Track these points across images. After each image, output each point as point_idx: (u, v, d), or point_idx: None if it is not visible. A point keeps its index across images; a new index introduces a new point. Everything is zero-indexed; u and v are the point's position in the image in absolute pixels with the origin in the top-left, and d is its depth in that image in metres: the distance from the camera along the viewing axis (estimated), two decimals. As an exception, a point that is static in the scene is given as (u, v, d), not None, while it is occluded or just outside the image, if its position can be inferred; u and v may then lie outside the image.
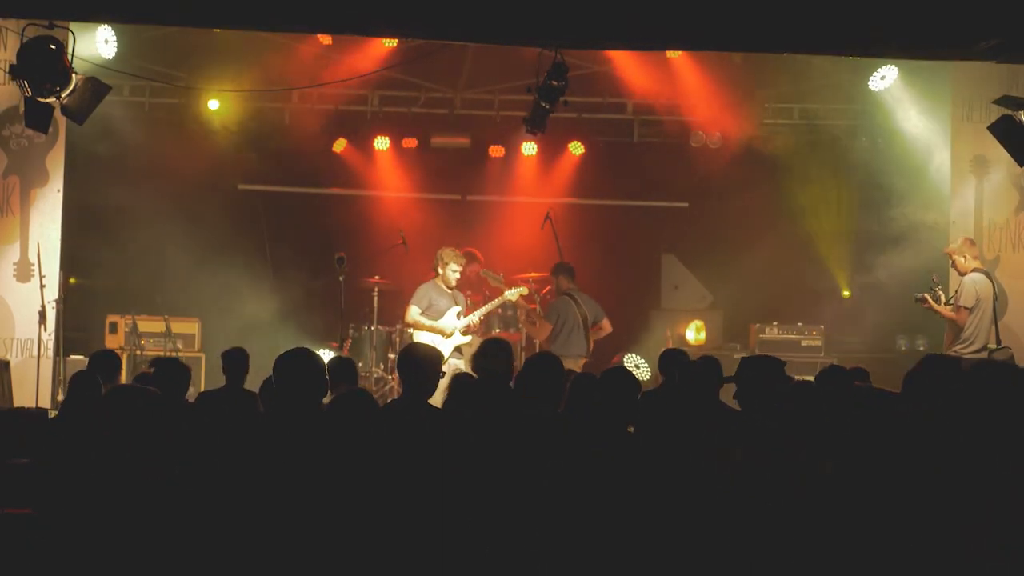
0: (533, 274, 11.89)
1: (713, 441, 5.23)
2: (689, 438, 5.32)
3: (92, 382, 6.22)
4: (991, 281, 10.01)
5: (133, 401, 3.80)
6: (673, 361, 7.43)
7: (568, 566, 4.75)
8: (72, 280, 11.19)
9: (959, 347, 9.84)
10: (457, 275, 10.63)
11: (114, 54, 10.27)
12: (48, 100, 8.64)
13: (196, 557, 3.96)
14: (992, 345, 9.86)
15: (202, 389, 11.22)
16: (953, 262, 10.22)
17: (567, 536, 4.79)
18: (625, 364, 12.16)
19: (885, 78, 11.25)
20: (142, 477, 3.82)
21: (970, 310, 9.81)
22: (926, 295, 10.07)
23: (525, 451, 5.06)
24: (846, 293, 13.20)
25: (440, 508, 4.66)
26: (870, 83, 11.34)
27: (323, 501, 4.21)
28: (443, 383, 5.81)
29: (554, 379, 5.71)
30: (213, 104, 11.92)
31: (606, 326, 11.14)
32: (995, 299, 9.97)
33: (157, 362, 6.91)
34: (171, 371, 6.62)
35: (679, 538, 4.83)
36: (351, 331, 11.39)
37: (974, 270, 9.99)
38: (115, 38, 10.27)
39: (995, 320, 9.95)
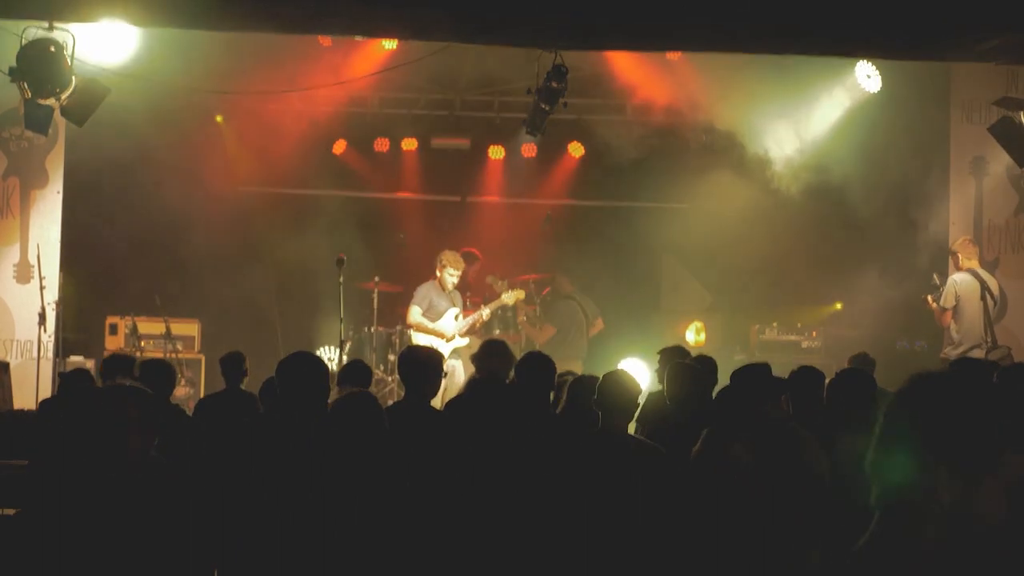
0: (533, 276, 11.88)
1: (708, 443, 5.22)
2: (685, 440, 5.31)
3: (84, 380, 6.20)
4: (978, 281, 9.97)
5: (122, 400, 3.79)
6: (670, 360, 7.31)
7: (568, 566, 4.75)
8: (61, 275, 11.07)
9: (948, 349, 9.83)
10: (454, 280, 10.65)
11: (115, 56, 10.25)
12: (48, 102, 8.65)
13: (194, 556, 3.96)
14: (989, 344, 9.84)
15: (202, 390, 11.25)
16: (954, 262, 10.23)
17: (567, 537, 4.78)
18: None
19: (871, 77, 11.13)
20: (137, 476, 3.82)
21: (950, 311, 9.80)
22: (929, 296, 10.07)
23: (526, 452, 5.06)
24: (838, 306, 13.14)
25: (441, 509, 4.65)
26: (859, 82, 11.23)
27: (323, 502, 4.20)
28: (443, 383, 5.83)
29: (547, 378, 5.76)
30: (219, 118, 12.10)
31: (598, 324, 11.26)
32: (986, 299, 9.92)
33: (142, 364, 6.90)
34: (156, 371, 6.62)
35: (678, 539, 4.83)
36: (351, 333, 11.37)
37: (967, 270, 9.99)
38: (117, 41, 10.24)
39: (989, 320, 9.92)
